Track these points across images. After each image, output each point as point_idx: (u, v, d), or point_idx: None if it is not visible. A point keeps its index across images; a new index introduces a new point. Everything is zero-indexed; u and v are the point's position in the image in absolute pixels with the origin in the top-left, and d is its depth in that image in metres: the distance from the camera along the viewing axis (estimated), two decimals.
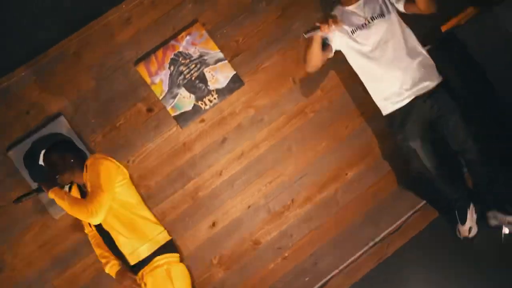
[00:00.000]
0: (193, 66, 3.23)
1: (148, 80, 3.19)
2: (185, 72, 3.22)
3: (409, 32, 2.83)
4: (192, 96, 3.22)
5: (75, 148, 2.91)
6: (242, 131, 3.26)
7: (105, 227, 2.75)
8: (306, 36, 2.67)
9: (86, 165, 2.74)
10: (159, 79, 3.20)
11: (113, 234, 2.75)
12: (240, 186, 3.24)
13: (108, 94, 3.18)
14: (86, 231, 2.95)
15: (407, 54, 2.76)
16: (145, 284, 2.73)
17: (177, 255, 2.83)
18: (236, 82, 3.24)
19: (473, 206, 2.90)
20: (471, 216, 2.88)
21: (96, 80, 3.17)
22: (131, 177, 3.10)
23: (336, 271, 3.26)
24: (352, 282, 3.21)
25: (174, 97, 3.21)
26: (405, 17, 2.85)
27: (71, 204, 2.64)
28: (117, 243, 2.76)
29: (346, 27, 2.79)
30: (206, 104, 3.23)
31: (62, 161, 2.76)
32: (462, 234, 2.89)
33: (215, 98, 3.23)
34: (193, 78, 3.23)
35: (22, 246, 3.07)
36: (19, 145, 3.09)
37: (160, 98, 3.20)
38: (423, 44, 2.88)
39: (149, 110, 3.22)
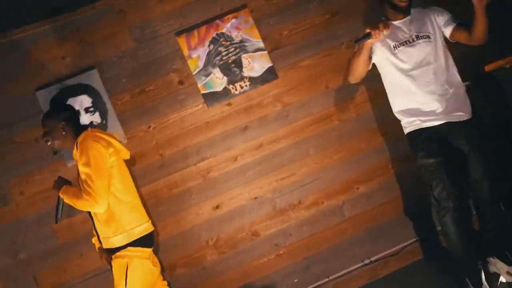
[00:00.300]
0: (232, 49, 3.25)
1: (186, 53, 3.22)
2: (223, 54, 3.24)
3: (451, 60, 2.82)
4: (225, 78, 3.25)
5: (74, 119, 2.77)
6: (266, 123, 3.28)
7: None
8: (357, 44, 2.63)
9: (77, 143, 2.68)
10: (196, 55, 3.23)
11: (92, 216, 2.74)
12: (251, 176, 3.26)
13: (145, 58, 3.22)
14: None
15: (446, 81, 2.75)
16: (111, 266, 2.74)
17: (148, 250, 2.74)
18: (270, 74, 3.25)
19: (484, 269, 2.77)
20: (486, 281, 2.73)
21: (136, 41, 3.21)
22: (148, 143, 3.19)
23: (326, 279, 3.27)
24: None
25: (207, 75, 3.24)
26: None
27: (73, 202, 2.63)
28: (94, 224, 2.76)
29: (389, 41, 2.78)
30: (236, 89, 3.25)
31: (54, 128, 2.70)
32: None
33: (246, 85, 3.25)
34: (229, 61, 3.25)
35: (30, 185, 3.14)
36: (48, 87, 3.16)
37: (194, 73, 3.23)
38: (462, 79, 2.87)
39: (180, 82, 3.25)
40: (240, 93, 3.25)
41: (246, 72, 3.25)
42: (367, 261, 3.29)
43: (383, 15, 2.89)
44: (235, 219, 3.26)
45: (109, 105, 3.18)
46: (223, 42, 3.24)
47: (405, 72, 2.77)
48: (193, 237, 3.23)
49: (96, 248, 2.89)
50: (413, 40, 2.76)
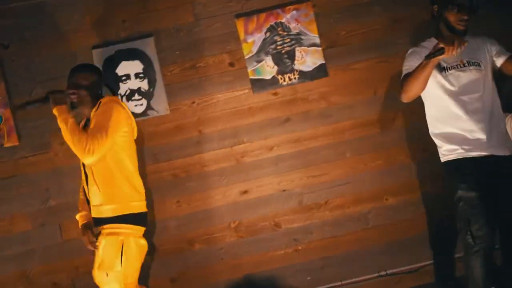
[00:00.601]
0: (288, 40, 3.26)
1: (242, 37, 3.25)
2: (278, 43, 3.25)
3: (497, 94, 2.74)
4: (275, 67, 3.26)
5: (102, 82, 2.83)
6: (308, 119, 3.28)
7: (87, 169, 2.68)
8: (428, 59, 2.50)
9: (100, 102, 2.68)
10: (252, 40, 3.25)
11: (89, 179, 2.67)
12: (284, 168, 3.28)
13: (201, 34, 3.27)
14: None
15: (492, 112, 2.68)
16: (98, 242, 2.67)
17: (142, 229, 2.72)
18: (321, 71, 3.25)
19: None
20: None
21: (196, 17, 3.26)
22: (189, 117, 3.27)
23: (338, 283, 3.28)
24: None
25: (258, 62, 3.26)
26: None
27: (72, 131, 2.54)
28: (89, 189, 2.71)
29: (441, 62, 2.70)
30: (284, 80, 3.26)
31: (90, 81, 2.71)
32: None
33: (295, 78, 3.26)
34: (283, 52, 3.26)
35: None
36: (104, 47, 3.24)
37: (246, 57, 3.25)
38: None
39: (231, 64, 3.28)
40: (288, 84, 3.26)
41: (297, 65, 3.26)
42: (382, 273, 3.27)
43: (434, 33, 2.79)
44: (260, 207, 3.29)
45: (158, 75, 3.24)
46: (280, 32, 3.25)
47: (454, 95, 2.68)
48: (216, 217, 3.29)
49: (79, 225, 2.85)
50: (464, 65, 2.68)
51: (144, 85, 3.25)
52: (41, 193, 3.25)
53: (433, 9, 2.76)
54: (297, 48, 3.26)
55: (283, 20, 3.24)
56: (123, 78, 3.24)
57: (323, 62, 3.25)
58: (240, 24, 3.24)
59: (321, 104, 3.28)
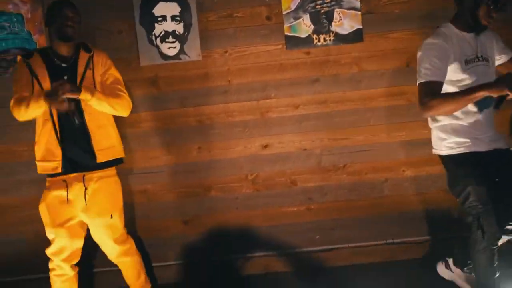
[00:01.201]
0: (328, 0, 3.23)
1: None
2: (318, 2, 3.23)
3: None
4: (312, 26, 3.25)
5: None
6: (337, 82, 3.29)
7: (97, 118, 2.75)
8: (497, 108, 2.46)
9: (92, 50, 2.79)
10: None
11: (103, 123, 2.78)
12: (307, 127, 3.32)
13: None
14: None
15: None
16: (85, 188, 2.72)
17: None
18: (357, 36, 3.23)
19: None
20: None
21: None
22: (220, 66, 3.30)
23: (345, 245, 3.38)
24: (352, 262, 3.36)
25: (295, 19, 3.24)
26: None
27: (109, 101, 2.70)
28: (101, 135, 2.76)
29: (461, 55, 2.60)
30: (319, 40, 3.25)
31: (80, 20, 2.73)
32: None
33: (330, 40, 3.25)
34: (321, 11, 3.23)
35: None
36: None
37: (284, 13, 3.23)
38: None
39: (268, 18, 3.26)
40: (322, 45, 3.26)
41: (334, 27, 3.24)
42: (390, 241, 3.36)
43: (453, 18, 2.69)
44: (278, 163, 3.35)
45: (194, 20, 3.24)
46: None
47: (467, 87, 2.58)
48: (235, 167, 3.35)
49: (43, 99, 2.56)
50: (479, 60, 2.61)
51: (179, 28, 3.25)
52: None
53: None
54: (336, 10, 3.23)
55: None
56: (159, 19, 3.24)
57: (361, 27, 3.23)
58: None
59: (353, 69, 3.28)
